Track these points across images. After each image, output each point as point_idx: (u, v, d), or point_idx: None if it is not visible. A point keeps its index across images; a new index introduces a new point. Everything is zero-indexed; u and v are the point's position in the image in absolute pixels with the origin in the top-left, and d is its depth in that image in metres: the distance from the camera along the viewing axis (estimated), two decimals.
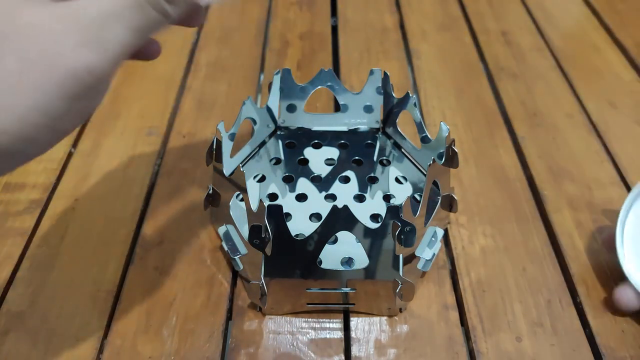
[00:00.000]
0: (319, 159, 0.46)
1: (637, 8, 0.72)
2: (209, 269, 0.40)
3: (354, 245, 0.38)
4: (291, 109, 0.47)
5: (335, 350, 0.36)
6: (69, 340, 0.35)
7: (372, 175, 0.45)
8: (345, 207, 0.32)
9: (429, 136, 0.43)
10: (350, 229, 0.34)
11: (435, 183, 0.39)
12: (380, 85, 0.46)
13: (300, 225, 0.40)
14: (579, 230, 0.44)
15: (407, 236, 0.35)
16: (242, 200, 0.41)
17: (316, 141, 0.47)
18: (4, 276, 0.39)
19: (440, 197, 0.40)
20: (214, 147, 0.37)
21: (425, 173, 0.44)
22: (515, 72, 0.61)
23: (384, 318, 0.37)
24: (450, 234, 0.43)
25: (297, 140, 0.47)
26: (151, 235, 0.42)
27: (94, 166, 0.48)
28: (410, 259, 0.37)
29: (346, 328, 0.37)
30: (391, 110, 0.46)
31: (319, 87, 0.46)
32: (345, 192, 0.43)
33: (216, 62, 0.60)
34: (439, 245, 0.40)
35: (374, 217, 0.41)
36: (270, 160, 0.46)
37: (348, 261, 0.38)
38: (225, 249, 0.38)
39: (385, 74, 0.45)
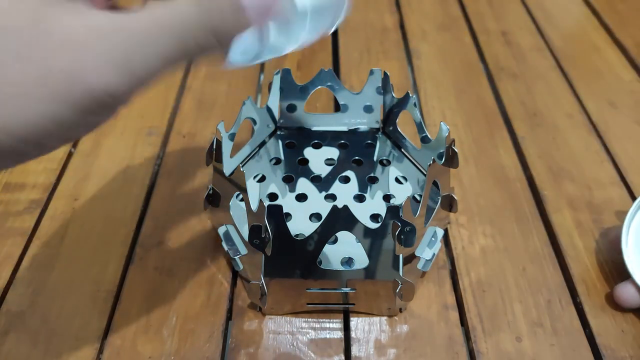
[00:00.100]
0: (319, 159, 0.46)
1: (637, 8, 0.72)
2: (209, 269, 0.40)
3: (354, 245, 0.38)
4: (291, 109, 0.47)
5: (335, 350, 0.36)
6: (69, 340, 0.35)
7: (372, 175, 0.45)
8: (345, 207, 0.32)
9: (429, 136, 0.43)
10: (350, 229, 0.34)
11: (435, 183, 0.39)
12: (380, 85, 0.46)
13: (300, 225, 0.40)
14: (579, 230, 0.44)
15: (407, 236, 0.35)
16: (242, 200, 0.41)
17: (316, 141, 0.47)
18: (4, 276, 0.39)
19: (440, 197, 0.40)
20: (214, 147, 0.37)
21: (425, 173, 0.44)
22: (515, 72, 0.61)
23: (384, 318, 0.37)
24: (450, 234, 0.43)
25: (297, 140, 0.47)
26: (151, 235, 0.42)
27: (94, 166, 0.48)
28: (410, 259, 0.37)
29: (346, 328, 0.37)
30: (391, 110, 0.46)
31: (319, 87, 0.46)
32: (345, 192, 0.43)
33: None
34: (439, 245, 0.40)
35: (374, 217, 0.41)
36: (270, 160, 0.46)
37: (348, 261, 0.38)
38: (225, 249, 0.38)
39: (385, 74, 0.45)
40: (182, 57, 0.19)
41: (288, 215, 0.41)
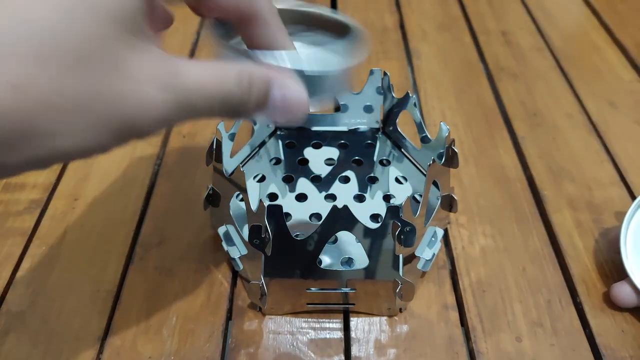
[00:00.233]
0: (319, 159, 0.46)
1: (637, 8, 0.72)
2: (209, 269, 0.40)
3: (354, 245, 0.38)
4: None
5: (335, 350, 0.36)
6: (69, 340, 0.35)
7: (372, 175, 0.45)
8: (345, 207, 0.32)
9: (429, 136, 0.43)
10: (350, 229, 0.34)
11: (435, 183, 0.39)
12: (380, 85, 0.46)
13: (300, 225, 0.40)
14: (579, 230, 0.44)
15: (407, 236, 0.35)
16: (242, 200, 0.41)
17: (316, 141, 0.47)
18: (4, 276, 0.39)
19: (440, 197, 0.40)
20: (214, 147, 0.37)
21: (425, 173, 0.44)
22: (515, 72, 0.61)
23: (384, 318, 0.37)
24: (450, 234, 0.43)
25: (297, 140, 0.47)
26: (151, 235, 0.42)
27: (94, 166, 0.48)
28: (410, 259, 0.37)
29: (346, 328, 0.37)
30: (391, 110, 0.46)
31: None
32: (345, 192, 0.43)
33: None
34: (439, 245, 0.40)
35: (374, 217, 0.41)
36: (270, 160, 0.46)
37: (348, 261, 0.38)
38: (225, 249, 0.38)
39: (385, 74, 0.45)
40: (206, 116, 0.21)
41: (288, 215, 0.41)
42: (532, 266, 0.41)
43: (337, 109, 0.48)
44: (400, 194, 0.43)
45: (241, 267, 0.39)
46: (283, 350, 0.35)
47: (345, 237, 0.38)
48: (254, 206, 0.33)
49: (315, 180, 0.44)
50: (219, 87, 0.20)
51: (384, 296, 0.36)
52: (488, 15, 0.70)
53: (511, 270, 0.41)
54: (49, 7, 0.16)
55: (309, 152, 0.46)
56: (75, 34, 0.16)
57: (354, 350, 0.36)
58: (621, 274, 0.39)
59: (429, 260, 0.39)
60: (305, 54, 0.29)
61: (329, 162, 0.46)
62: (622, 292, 0.37)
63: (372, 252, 0.35)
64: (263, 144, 0.47)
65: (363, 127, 0.49)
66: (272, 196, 0.43)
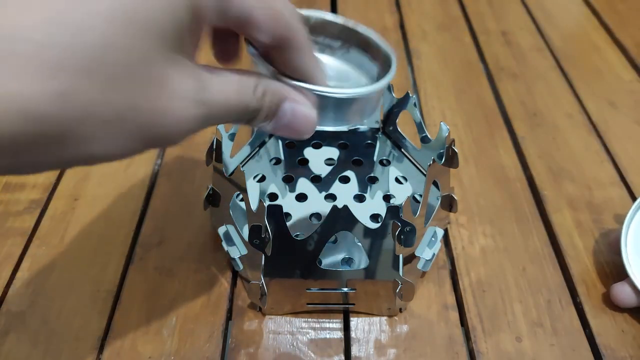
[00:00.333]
0: (319, 159, 0.46)
1: (637, 8, 0.72)
2: (209, 269, 0.40)
3: (354, 245, 0.38)
4: None
5: (335, 350, 0.36)
6: (69, 340, 0.35)
7: (372, 175, 0.45)
8: (345, 207, 0.32)
9: (429, 136, 0.43)
10: (350, 229, 0.34)
11: (435, 183, 0.39)
12: None
13: (300, 225, 0.40)
14: (579, 230, 0.44)
15: (407, 236, 0.35)
16: (242, 200, 0.41)
17: (316, 141, 0.47)
18: (4, 276, 0.39)
19: (440, 197, 0.40)
20: (214, 147, 0.37)
21: (425, 173, 0.44)
22: (515, 72, 0.61)
23: (384, 318, 0.37)
24: (450, 234, 0.43)
25: (297, 140, 0.47)
26: (151, 235, 0.42)
27: (94, 166, 0.47)
28: (410, 259, 0.37)
29: (346, 328, 0.37)
30: (391, 110, 0.46)
31: None
32: (345, 192, 0.43)
33: (216, 62, 0.60)
34: (439, 245, 0.40)
35: (374, 217, 0.41)
36: (270, 160, 0.46)
37: (348, 261, 0.38)
38: (225, 249, 0.38)
39: None
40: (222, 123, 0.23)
41: (288, 215, 0.41)
42: (532, 266, 0.41)
43: None
44: (400, 194, 0.43)
45: (241, 267, 0.39)
46: (283, 350, 0.35)
47: (345, 237, 0.38)
48: (254, 206, 0.33)
49: (315, 180, 0.44)
50: (239, 98, 0.21)
51: (384, 296, 0.36)
52: (488, 15, 0.70)
53: (511, 270, 0.41)
54: (99, 20, 0.16)
55: (309, 152, 0.46)
56: (123, 47, 0.17)
57: (354, 350, 0.36)
58: (621, 275, 0.39)
59: (429, 260, 0.39)
60: (335, 71, 0.29)
61: (329, 162, 0.46)
62: (622, 293, 0.37)
63: (372, 252, 0.35)
64: (263, 144, 0.47)
65: (363, 127, 0.49)
66: (272, 196, 0.43)
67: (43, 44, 0.15)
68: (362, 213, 0.41)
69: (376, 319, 0.37)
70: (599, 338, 0.37)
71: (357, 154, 0.46)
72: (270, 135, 0.48)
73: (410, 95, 0.43)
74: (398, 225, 0.33)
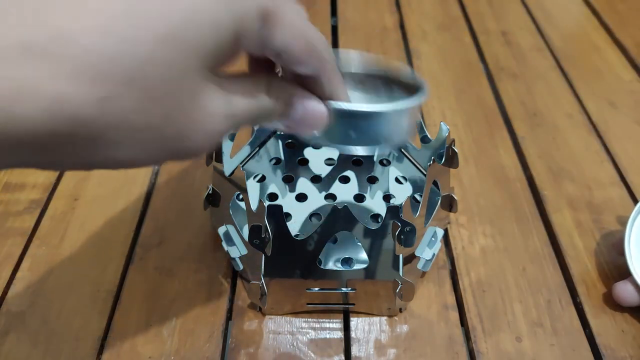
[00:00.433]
0: (319, 159, 0.46)
1: (637, 8, 0.72)
2: (209, 269, 0.40)
3: (354, 245, 0.38)
4: None
5: (335, 350, 0.36)
6: (69, 341, 0.35)
7: (372, 175, 0.45)
8: (345, 207, 0.32)
9: (429, 136, 0.43)
10: (350, 229, 0.34)
11: (435, 183, 0.39)
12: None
13: (300, 225, 0.40)
14: (579, 230, 0.44)
15: (407, 236, 0.35)
16: (242, 200, 0.41)
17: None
18: (4, 276, 0.39)
19: (440, 197, 0.40)
20: None
21: (425, 173, 0.44)
22: (515, 72, 0.61)
23: (384, 318, 0.37)
24: (450, 234, 0.43)
25: (297, 140, 0.47)
26: (151, 235, 0.42)
27: None
28: (410, 259, 0.37)
29: (346, 328, 0.37)
30: None
31: None
32: (345, 192, 0.43)
33: None
34: (439, 245, 0.40)
35: (374, 217, 0.41)
36: (270, 160, 0.46)
37: (348, 261, 0.38)
38: (225, 249, 0.38)
39: None
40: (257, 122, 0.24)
41: (288, 215, 0.41)
42: (532, 266, 0.41)
43: None
44: (400, 194, 0.43)
45: (241, 267, 0.39)
46: (283, 350, 0.35)
47: (345, 237, 0.38)
48: (254, 206, 0.33)
49: (315, 180, 0.44)
50: (257, 103, 0.22)
51: (384, 296, 0.36)
52: (488, 15, 0.70)
53: (511, 270, 0.41)
54: (146, 34, 0.17)
55: (309, 152, 0.46)
56: (165, 62, 0.18)
57: (354, 350, 0.36)
58: (622, 275, 0.39)
59: (429, 260, 0.39)
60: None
61: (329, 162, 0.46)
62: (625, 291, 0.37)
63: (372, 252, 0.35)
64: (263, 144, 0.47)
65: None
66: (272, 196, 0.43)
67: (91, 51, 0.16)
68: (362, 213, 0.41)
69: (376, 319, 0.37)
70: (599, 338, 0.37)
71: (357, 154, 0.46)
72: (270, 135, 0.48)
73: None
74: (398, 225, 0.33)
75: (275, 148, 0.47)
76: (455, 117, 0.54)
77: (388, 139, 0.27)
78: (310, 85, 0.24)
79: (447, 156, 0.38)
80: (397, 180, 0.44)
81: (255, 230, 0.34)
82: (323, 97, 0.25)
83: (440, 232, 0.40)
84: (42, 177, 0.46)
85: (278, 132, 0.48)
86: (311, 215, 0.41)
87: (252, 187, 0.43)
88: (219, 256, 0.41)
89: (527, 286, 0.40)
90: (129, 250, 0.41)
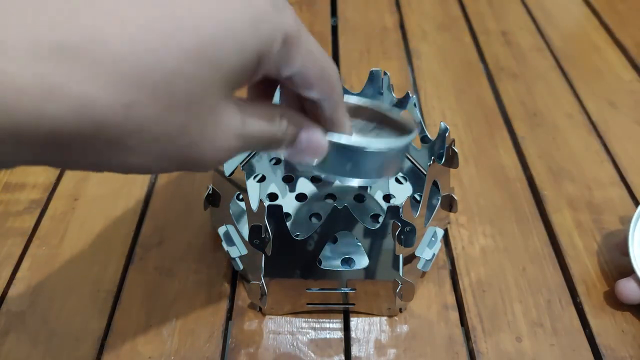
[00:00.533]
0: None
1: (637, 8, 0.72)
2: (209, 269, 0.40)
3: (354, 245, 0.38)
4: None
5: (335, 350, 0.36)
6: (69, 341, 0.35)
7: None
8: (345, 207, 0.32)
9: (429, 136, 0.43)
10: (350, 229, 0.34)
11: (435, 183, 0.39)
12: (380, 85, 0.45)
13: (300, 225, 0.40)
14: (579, 230, 0.44)
15: (407, 236, 0.35)
16: (242, 200, 0.41)
17: None
18: (4, 276, 0.39)
19: (440, 197, 0.40)
20: None
21: (425, 173, 0.44)
22: (515, 72, 0.61)
23: (384, 318, 0.37)
24: (450, 234, 0.43)
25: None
26: (151, 235, 0.42)
27: None
28: (410, 259, 0.37)
29: (346, 328, 0.37)
30: None
31: None
32: (345, 192, 0.43)
33: None
34: (439, 245, 0.40)
35: (374, 217, 0.41)
36: (270, 160, 0.46)
37: (348, 261, 0.38)
38: (225, 249, 0.38)
39: (385, 73, 0.45)
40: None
41: (288, 215, 0.41)
42: (532, 266, 0.41)
43: None
44: (400, 194, 0.43)
45: (241, 267, 0.38)
46: (283, 350, 0.35)
47: (345, 237, 0.38)
48: (254, 206, 0.33)
49: (315, 180, 0.44)
50: (269, 130, 0.23)
51: (384, 296, 0.36)
52: (488, 15, 0.70)
53: (511, 270, 0.41)
54: (177, 49, 0.17)
55: None
56: (191, 77, 0.18)
57: (354, 350, 0.36)
58: (622, 274, 0.39)
59: (429, 260, 0.39)
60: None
61: None
62: (628, 289, 0.37)
63: (372, 252, 0.35)
64: None
65: None
66: (272, 196, 0.43)
67: (122, 58, 0.16)
68: (362, 213, 0.41)
69: (376, 319, 0.37)
70: (599, 338, 0.37)
71: None
72: None
73: (410, 95, 0.43)
74: (398, 225, 0.33)
75: None
76: (455, 117, 0.54)
77: (380, 174, 0.28)
78: (312, 110, 0.25)
79: (447, 156, 0.38)
80: (397, 180, 0.44)
81: (255, 230, 0.34)
82: (323, 123, 0.26)
83: (440, 232, 0.40)
84: (42, 177, 0.46)
85: None
86: (311, 215, 0.41)
87: (252, 187, 0.43)
88: (219, 256, 0.41)
89: (527, 286, 0.40)
90: (129, 250, 0.41)
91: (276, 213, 0.32)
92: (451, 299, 0.39)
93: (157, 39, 0.17)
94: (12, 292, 0.38)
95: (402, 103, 0.44)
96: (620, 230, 0.43)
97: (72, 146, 0.17)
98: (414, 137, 0.29)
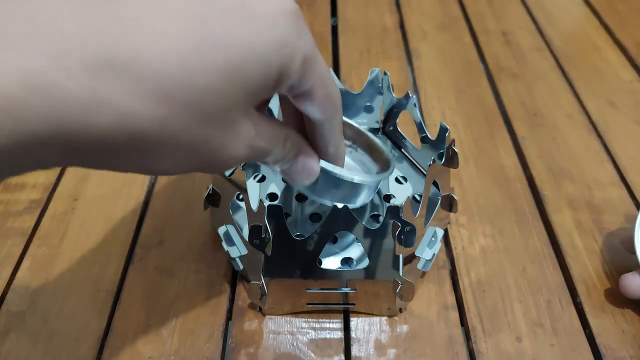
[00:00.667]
0: None
1: (637, 8, 0.72)
2: (209, 268, 0.40)
3: (354, 245, 0.38)
4: None
5: (335, 350, 0.36)
6: (69, 340, 0.35)
7: None
8: (345, 207, 0.32)
9: (429, 136, 0.43)
10: (350, 229, 0.34)
11: (435, 183, 0.39)
12: (380, 85, 0.46)
13: (300, 225, 0.40)
14: (579, 230, 0.44)
15: (407, 236, 0.35)
16: (242, 200, 0.41)
17: None
18: (4, 276, 0.39)
19: (440, 197, 0.40)
20: None
21: (425, 173, 0.44)
22: (515, 72, 0.61)
23: (384, 318, 0.37)
24: (450, 234, 0.43)
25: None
26: (151, 235, 0.42)
27: None
28: (410, 259, 0.37)
29: (346, 328, 0.37)
30: (391, 110, 0.46)
31: None
32: None
33: None
34: (439, 245, 0.40)
35: (374, 217, 0.41)
36: None
37: (348, 261, 0.38)
38: (225, 249, 0.38)
39: (385, 73, 0.45)
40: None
41: (288, 215, 0.41)
42: (532, 266, 0.41)
43: None
44: (400, 194, 0.43)
45: (241, 267, 0.38)
46: (283, 350, 0.35)
47: (345, 237, 0.38)
48: (254, 206, 0.33)
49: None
50: (275, 146, 0.25)
51: (384, 296, 0.36)
52: (488, 15, 0.70)
53: (511, 270, 0.41)
54: (211, 66, 0.19)
55: None
56: (220, 92, 0.19)
57: (354, 350, 0.36)
58: (622, 274, 0.39)
59: (429, 260, 0.39)
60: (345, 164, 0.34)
61: None
62: (632, 284, 0.37)
63: (372, 252, 0.35)
64: None
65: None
66: (272, 196, 0.43)
67: (162, 74, 0.18)
68: (362, 213, 0.41)
69: (376, 319, 0.37)
70: (599, 338, 0.37)
71: None
72: None
73: (411, 95, 0.43)
74: (398, 225, 0.33)
75: None
76: (455, 117, 0.54)
77: (360, 200, 0.34)
78: (311, 129, 0.28)
79: (447, 156, 0.38)
80: (397, 180, 0.44)
81: (255, 230, 0.34)
82: (320, 143, 0.28)
83: (440, 232, 0.40)
84: (42, 177, 0.46)
85: None
86: (311, 215, 0.41)
87: (252, 187, 0.43)
88: (219, 256, 0.41)
89: (527, 286, 0.40)
90: (129, 250, 0.41)
91: (276, 213, 0.33)
92: (451, 299, 0.39)
93: (195, 57, 0.18)
94: (12, 292, 0.38)
95: (402, 103, 0.44)
96: (621, 230, 0.43)
97: (106, 152, 0.18)
98: (391, 173, 0.36)
